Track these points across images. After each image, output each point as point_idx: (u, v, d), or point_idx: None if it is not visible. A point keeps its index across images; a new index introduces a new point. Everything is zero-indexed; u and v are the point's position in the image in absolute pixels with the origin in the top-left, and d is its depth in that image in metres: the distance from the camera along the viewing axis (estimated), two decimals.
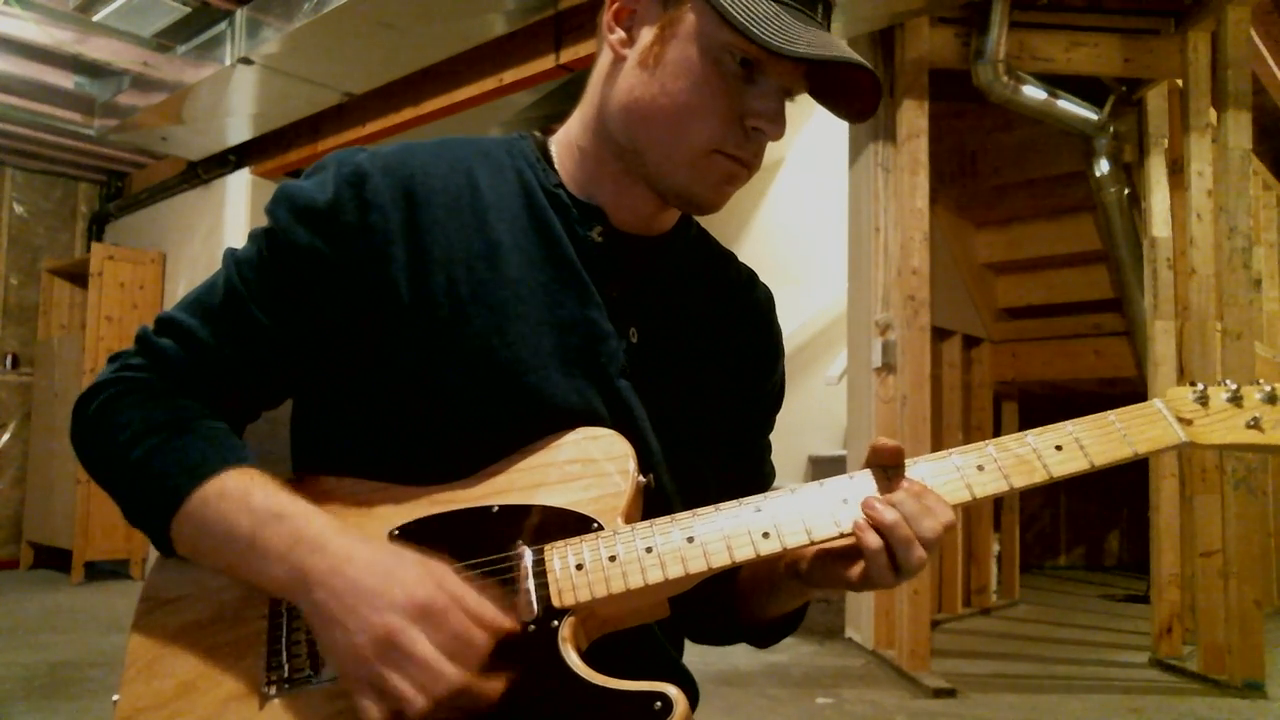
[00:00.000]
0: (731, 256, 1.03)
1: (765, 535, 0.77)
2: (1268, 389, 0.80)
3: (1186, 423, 0.80)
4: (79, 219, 6.52)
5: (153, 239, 5.98)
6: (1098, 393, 5.35)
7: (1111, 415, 0.80)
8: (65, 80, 4.84)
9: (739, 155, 0.83)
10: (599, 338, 0.86)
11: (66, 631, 4.10)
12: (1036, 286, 5.03)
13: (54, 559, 5.74)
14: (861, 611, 3.90)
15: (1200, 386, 0.81)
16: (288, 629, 0.77)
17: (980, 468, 0.79)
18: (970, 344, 4.98)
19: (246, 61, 4.09)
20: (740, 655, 3.60)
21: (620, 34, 0.85)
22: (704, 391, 0.93)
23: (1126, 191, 4.08)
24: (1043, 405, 5.80)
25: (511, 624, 0.72)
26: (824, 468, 5.47)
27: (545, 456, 0.81)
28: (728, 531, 0.77)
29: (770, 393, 1.02)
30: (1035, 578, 5.87)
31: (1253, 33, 3.68)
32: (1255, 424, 0.79)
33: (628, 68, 0.84)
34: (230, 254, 0.86)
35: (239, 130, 5.00)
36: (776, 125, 0.82)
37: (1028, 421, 5.54)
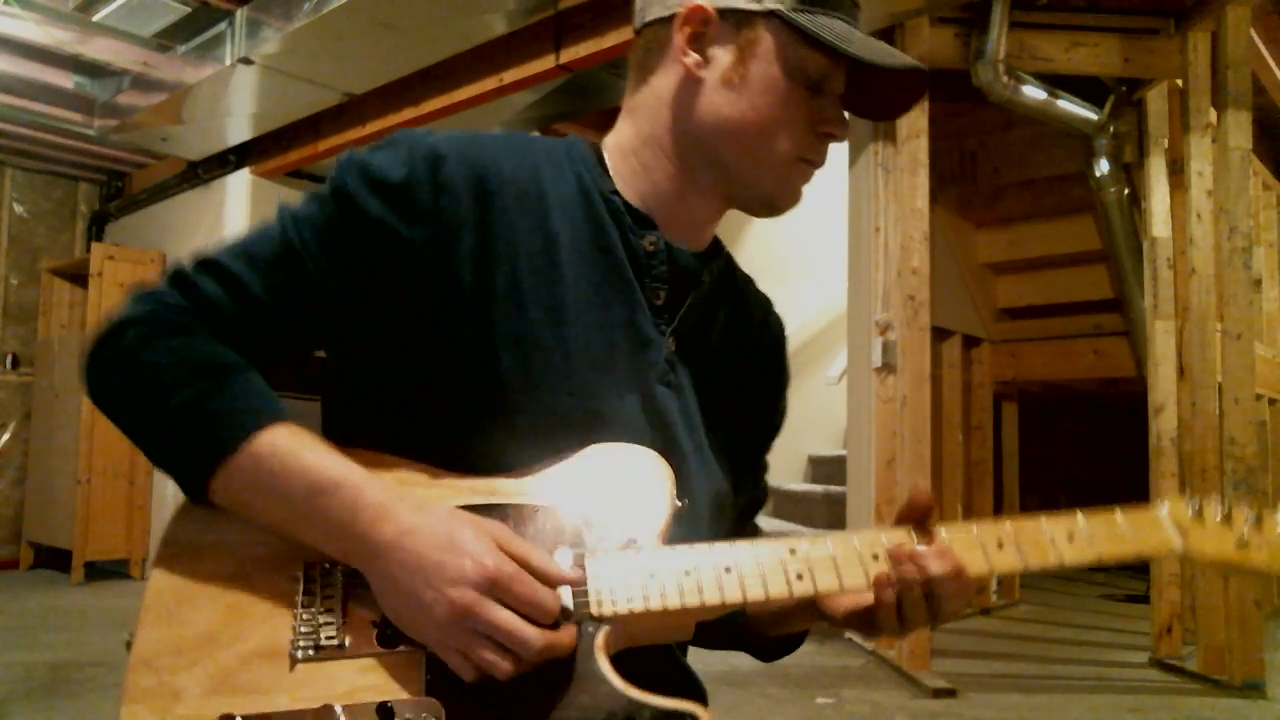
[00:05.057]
0: (751, 280, 1.07)
1: (799, 577, 0.79)
2: (1255, 514, 0.85)
3: (1183, 533, 0.85)
4: (79, 219, 6.51)
5: (153, 239, 5.98)
6: (1098, 393, 5.36)
7: (1118, 514, 0.86)
8: (65, 80, 4.84)
9: (816, 160, 0.90)
10: (645, 342, 0.89)
11: (66, 631, 4.10)
12: (1036, 286, 5.03)
13: (54, 559, 5.73)
14: None
15: (1196, 503, 0.86)
16: (321, 596, 0.76)
17: (1000, 544, 0.83)
18: (970, 344, 4.98)
19: (246, 61, 4.09)
20: (740, 655, 3.59)
21: (695, 57, 0.87)
22: (723, 406, 0.96)
23: (1126, 191, 4.08)
24: (1043, 405, 5.81)
25: (571, 576, 0.75)
26: (824, 468, 5.48)
27: (589, 465, 0.82)
28: (765, 568, 0.79)
29: (777, 417, 1.07)
30: (1035, 578, 5.86)
31: (1253, 33, 3.68)
32: (1242, 545, 0.84)
33: (709, 88, 0.87)
34: (286, 210, 0.84)
35: (239, 130, 5.00)
36: (846, 128, 0.90)
37: (1027, 421, 5.54)
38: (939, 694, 3.15)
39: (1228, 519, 0.85)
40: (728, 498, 0.96)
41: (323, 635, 0.74)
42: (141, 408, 0.77)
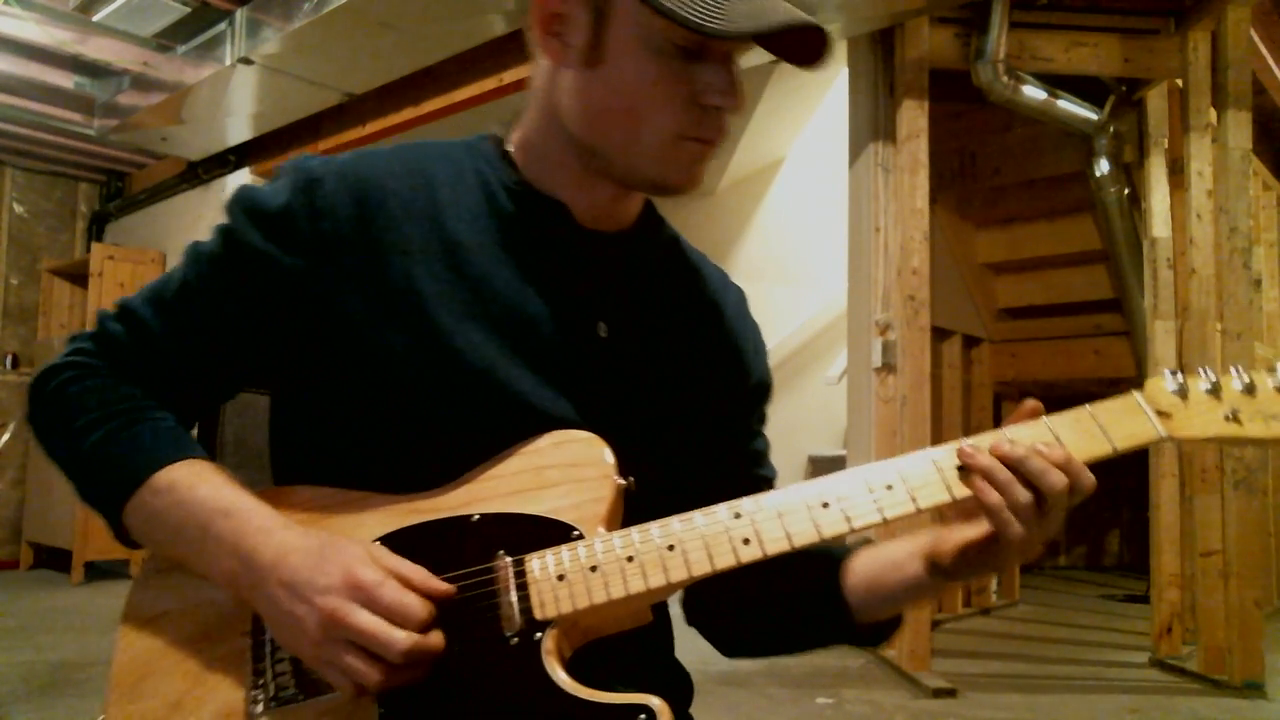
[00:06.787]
0: (704, 257, 1.02)
1: (746, 541, 0.75)
2: (1246, 379, 0.77)
3: (1165, 416, 0.77)
4: (79, 219, 6.52)
5: (153, 239, 5.98)
6: (1098, 393, 5.34)
7: (1089, 410, 0.79)
8: (65, 80, 4.84)
9: (702, 136, 0.81)
10: (567, 333, 0.85)
11: (66, 631, 4.10)
12: (1036, 286, 5.03)
13: (54, 559, 5.73)
14: None
15: (1179, 377, 0.78)
16: (272, 646, 0.77)
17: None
18: (970, 344, 4.97)
19: (246, 61, 4.09)
20: None
21: (555, 43, 0.82)
22: (679, 387, 0.92)
23: (1126, 191, 4.08)
24: (1043, 406, 5.81)
25: (443, 586, 0.74)
26: (824, 468, 5.47)
27: (524, 461, 0.80)
28: (708, 539, 0.76)
29: (754, 392, 1.01)
30: (1035, 578, 5.86)
31: (1253, 33, 3.68)
32: (1233, 417, 0.76)
33: (572, 75, 0.82)
34: (193, 246, 0.87)
35: (239, 130, 5.00)
36: (731, 98, 0.80)
37: None
38: (939, 694, 3.15)
39: (1215, 391, 0.77)
40: (704, 475, 0.91)
41: (278, 685, 0.76)
42: (62, 449, 0.83)
